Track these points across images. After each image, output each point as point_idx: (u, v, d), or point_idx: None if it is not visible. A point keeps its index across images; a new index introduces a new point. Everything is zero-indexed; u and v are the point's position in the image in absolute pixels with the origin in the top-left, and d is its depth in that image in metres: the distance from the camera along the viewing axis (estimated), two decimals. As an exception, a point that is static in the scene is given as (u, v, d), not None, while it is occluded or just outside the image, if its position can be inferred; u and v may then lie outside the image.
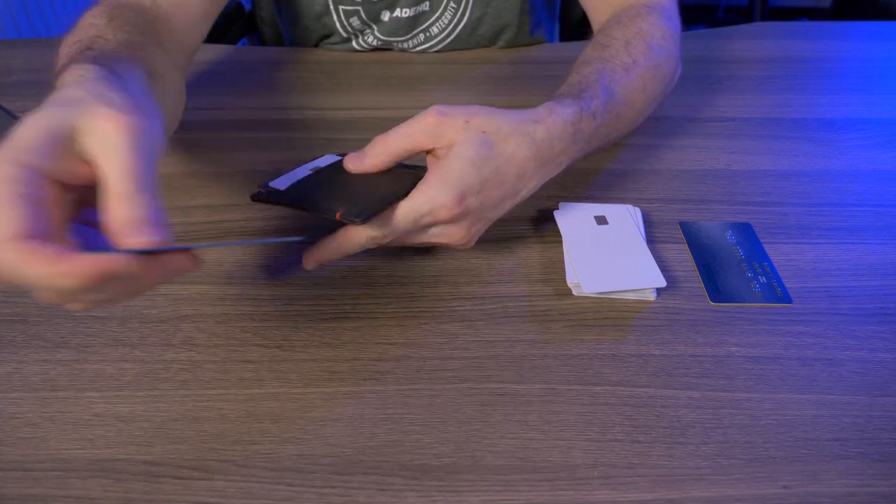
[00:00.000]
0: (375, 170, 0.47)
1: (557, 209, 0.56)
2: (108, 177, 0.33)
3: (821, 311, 0.48)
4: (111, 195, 0.32)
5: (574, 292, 0.50)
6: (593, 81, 0.54)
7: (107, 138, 0.33)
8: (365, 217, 0.43)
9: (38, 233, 0.31)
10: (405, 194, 0.45)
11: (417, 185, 0.45)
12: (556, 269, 0.52)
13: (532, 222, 0.57)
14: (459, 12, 0.82)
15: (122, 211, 0.32)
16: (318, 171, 0.50)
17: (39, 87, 0.77)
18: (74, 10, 1.52)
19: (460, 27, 0.83)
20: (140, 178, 0.32)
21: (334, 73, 0.79)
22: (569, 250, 0.51)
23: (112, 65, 0.41)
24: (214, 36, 0.84)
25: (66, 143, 0.33)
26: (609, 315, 0.48)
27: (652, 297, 0.49)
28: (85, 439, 0.40)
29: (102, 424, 0.41)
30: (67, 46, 0.50)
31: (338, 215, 0.43)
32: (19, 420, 0.42)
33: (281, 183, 0.48)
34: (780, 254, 0.53)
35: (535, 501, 0.37)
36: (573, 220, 0.54)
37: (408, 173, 0.47)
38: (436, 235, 0.47)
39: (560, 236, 0.53)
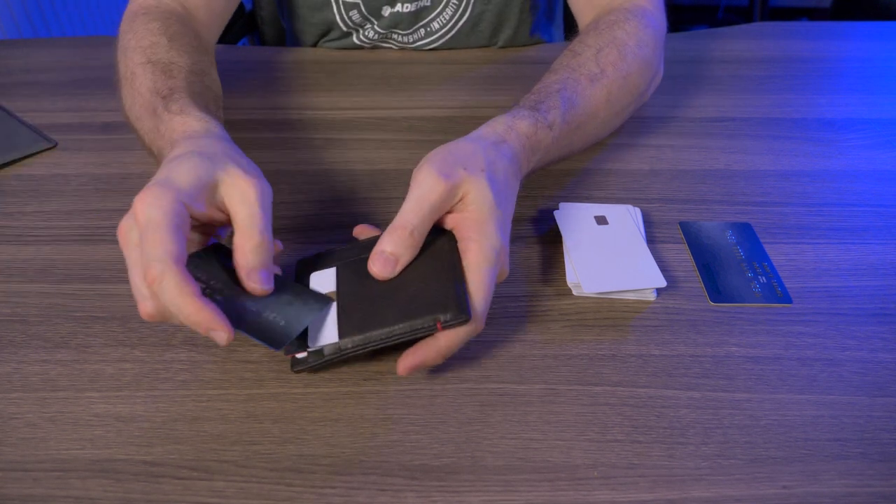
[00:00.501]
0: (407, 265, 0.44)
1: (557, 209, 0.56)
2: (243, 222, 0.42)
3: (821, 311, 0.48)
4: (245, 241, 0.41)
5: (574, 292, 0.50)
6: (554, 92, 0.55)
7: (244, 196, 0.42)
8: (466, 310, 0.40)
9: (181, 260, 0.39)
10: (459, 263, 0.42)
11: (466, 248, 0.43)
12: (556, 269, 0.52)
13: (532, 222, 0.57)
14: (461, 8, 0.82)
15: (252, 257, 0.41)
16: (338, 300, 0.44)
17: (39, 87, 0.77)
18: (74, 10, 1.52)
19: (461, 23, 0.83)
20: (265, 231, 0.42)
21: (334, 73, 0.79)
22: (569, 250, 0.51)
23: (217, 117, 0.53)
24: (214, 36, 0.84)
25: (210, 192, 0.42)
26: (609, 315, 0.48)
27: (652, 297, 0.49)
28: (85, 439, 0.40)
29: (102, 424, 0.41)
30: (139, 65, 0.57)
31: (439, 325, 0.40)
32: (19, 420, 0.42)
33: (317, 338, 0.43)
34: (780, 254, 0.53)
35: (535, 501, 0.37)
36: (573, 220, 0.54)
37: (431, 247, 0.44)
38: (498, 277, 0.45)
39: (560, 236, 0.53)
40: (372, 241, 0.45)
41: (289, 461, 0.39)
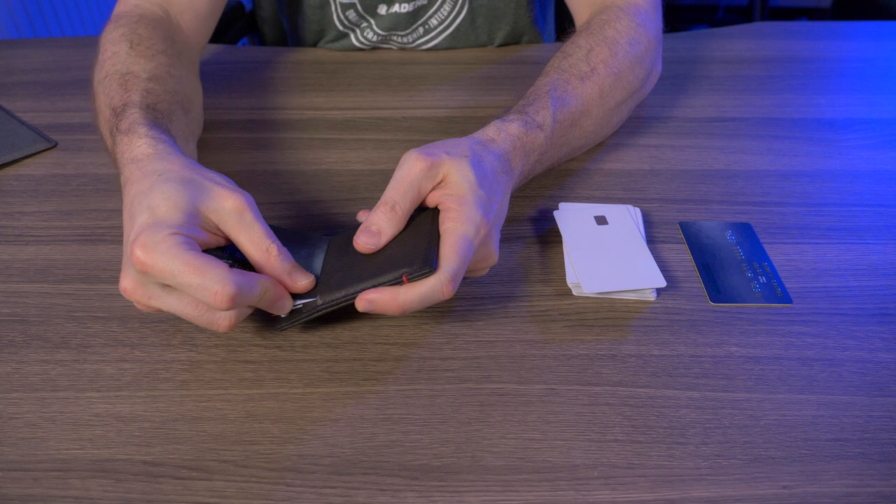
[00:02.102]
0: (391, 238, 0.45)
1: (557, 209, 0.56)
2: (251, 241, 0.42)
3: (821, 311, 0.48)
4: (261, 253, 0.42)
5: (574, 292, 0.50)
6: (543, 94, 0.56)
7: (240, 216, 0.42)
8: (432, 263, 0.41)
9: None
10: (436, 231, 0.44)
11: (444, 218, 0.44)
12: (556, 269, 0.52)
13: (532, 222, 0.57)
14: (458, 4, 0.82)
15: (278, 264, 0.43)
16: (323, 267, 0.46)
17: (39, 87, 0.77)
18: (75, 10, 1.52)
19: (459, 19, 0.83)
20: (272, 237, 0.43)
21: (334, 73, 0.79)
22: (569, 250, 0.51)
23: (167, 129, 0.51)
24: (214, 36, 0.84)
25: (196, 219, 0.41)
26: (609, 315, 0.48)
27: (652, 297, 0.49)
28: (85, 439, 0.40)
29: (102, 424, 0.41)
30: (99, 81, 0.56)
31: (404, 277, 0.41)
32: (19, 420, 0.42)
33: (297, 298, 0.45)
34: (780, 254, 0.53)
35: (535, 501, 0.37)
36: (573, 220, 0.54)
37: (415, 222, 0.46)
38: (481, 260, 0.46)
39: (560, 236, 0.53)
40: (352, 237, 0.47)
41: (289, 461, 0.39)
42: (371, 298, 0.42)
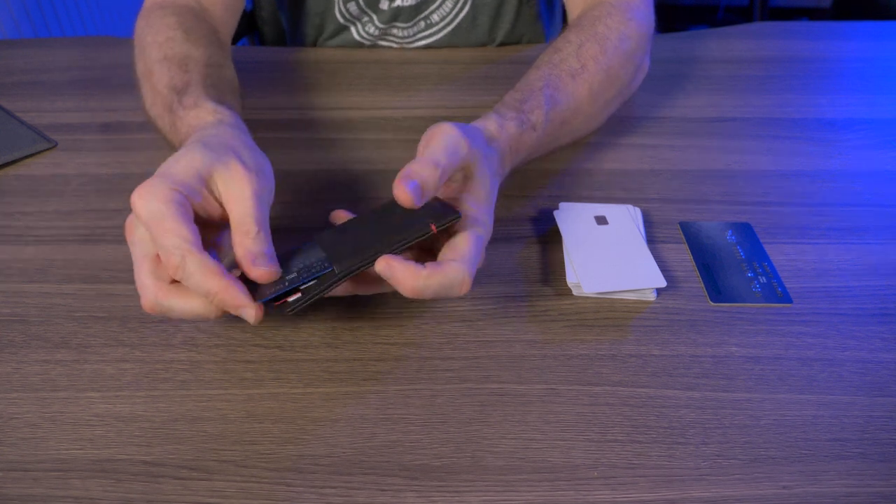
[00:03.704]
0: (429, 198, 0.42)
1: (557, 209, 0.56)
2: (238, 217, 0.41)
3: (821, 311, 0.48)
4: (240, 232, 0.41)
5: (574, 292, 0.50)
6: (537, 90, 0.55)
7: (241, 190, 0.41)
8: (457, 212, 0.41)
9: (198, 243, 0.39)
10: (453, 210, 0.43)
11: (468, 198, 0.44)
12: (556, 269, 0.52)
13: (532, 222, 0.57)
14: (461, 0, 0.82)
15: (249, 244, 0.40)
16: (324, 248, 0.44)
17: (39, 86, 0.77)
18: (75, 10, 1.52)
19: (461, 15, 0.83)
20: (260, 222, 0.41)
21: (334, 73, 0.79)
22: (569, 250, 0.51)
23: (232, 107, 0.52)
24: (214, 36, 0.85)
25: (207, 184, 0.42)
26: (609, 315, 0.48)
27: (652, 297, 0.49)
28: (85, 439, 0.40)
29: (102, 424, 0.41)
30: (156, 61, 0.58)
31: (433, 227, 0.40)
32: (19, 420, 0.42)
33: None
34: (780, 254, 0.53)
35: (535, 501, 0.37)
36: (573, 220, 0.54)
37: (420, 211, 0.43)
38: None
39: (560, 236, 0.53)
40: (348, 222, 0.46)
41: (289, 461, 0.39)
42: (392, 265, 0.39)
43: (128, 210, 0.58)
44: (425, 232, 0.41)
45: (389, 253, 0.40)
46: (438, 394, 0.43)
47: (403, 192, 0.40)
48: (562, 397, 0.43)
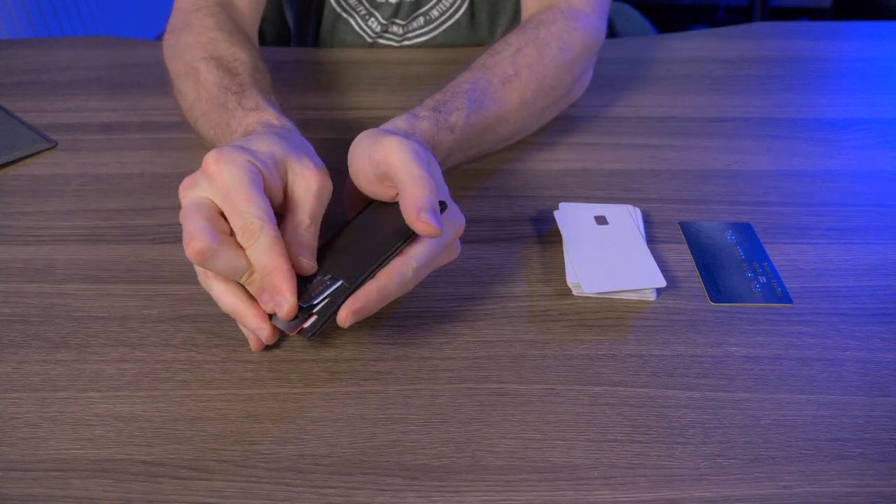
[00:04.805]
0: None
1: (557, 209, 0.56)
2: (297, 208, 0.43)
3: (821, 311, 0.48)
4: (294, 221, 0.43)
5: (574, 292, 0.50)
6: (461, 93, 0.55)
7: (308, 185, 0.43)
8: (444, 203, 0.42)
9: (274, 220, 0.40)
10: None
11: (403, 193, 0.43)
12: (556, 269, 0.52)
13: (532, 222, 0.57)
14: None
15: (301, 234, 0.42)
16: (319, 256, 0.44)
17: (39, 86, 0.77)
18: (75, 10, 1.52)
19: (461, 12, 0.83)
20: (315, 219, 0.43)
21: (334, 73, 0.79)
22: (569, 250, 0.51)
23: (291, 119, 0.53)
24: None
25: (279, 167, 0.43)
26: (609, 315, 0.48)
27: (652, 297, 0.49)
28: (85, 439, 0.40)
29: (102, 424, 0.41)
30: (201, 60, 0.58)
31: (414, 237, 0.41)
32: (19, 420, 0.42)
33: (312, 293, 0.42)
34: (780, 254, 0.53)
35: (535, 501, 0.37)
36: (573, 220, 0.54)
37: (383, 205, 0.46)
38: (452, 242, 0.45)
39: (560, 236, 0.53)
40: (331, 239, 0.46)
41: (289, 461, 0.39)
42: (359, 310, 0.41)
43: (128, 210, 0.58)
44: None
45: (393, 253, 0.42)
46: (438, 394, 0.43)
47: (429, 227, 0.40)
48: (562, 397, 0.43)
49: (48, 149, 0.67)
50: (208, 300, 0.49)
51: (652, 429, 0.41)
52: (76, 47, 0.87)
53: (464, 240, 0.47)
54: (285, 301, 0.40)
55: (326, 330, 0.46)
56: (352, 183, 0.48)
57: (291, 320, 0.41)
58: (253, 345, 0.45)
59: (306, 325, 0.41)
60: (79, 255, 0.54)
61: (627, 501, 0.37)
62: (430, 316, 0.48)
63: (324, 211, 0.44)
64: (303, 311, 0.41)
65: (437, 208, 0.41)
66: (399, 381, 0.44)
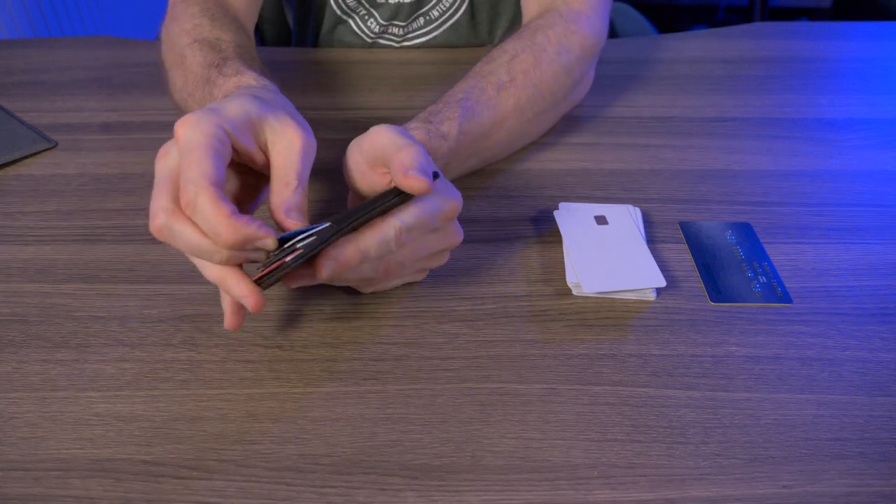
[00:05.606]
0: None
1: (557, 209, 0.56)
2: (281, 168, 0.42)
3: (821, 311, 0.48)
4: (280, 182, 0.41)
5: (574, 292, 0.50)
6: (454, 102, 0.55)
7: (290, 143, 0.42)
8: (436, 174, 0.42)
9: (219, 183, 0.38)
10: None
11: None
12: (556, 269, 0.52)
13: (532, 222, 0.57)
14: None
15: (287, 195, 0.41)
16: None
17: (39, 86, 0.77)
18: (75, 10, 1.52)
19: (460, 12, 0.83)
20: (301, 177, 0.42)
21: (334, 73, 0.79)
22: (569, 250, 0.51)
23: (273, 81, 0.52)
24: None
25: (255, 129, 0.42)
26: (609, 315, 0.48)
27: (652, 297, 0.49)
28: (85, 439, 0.40)
29: (102, 424, 0.41)
30: (185, 46, 0.58)
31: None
32: (19, 420, 0.42)
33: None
34: (780, 254, 0.53)
35: (535, 501, 0.37)
36: (573, 220, 0.54)
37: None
38: (444, 229, 0.45)
39: (560, 236, 0.53)
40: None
41: (289, 461, 0.39)
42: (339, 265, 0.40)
43: (128, 210, 0.58)
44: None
45: (385, 206, 0.41)
46: (438, 393, 0.43)
47: (418, 181, 0.40)
48: (562, 397, 0.43)
49: (48, 149, 0.67)
50: (208, 300, 0.49)
51: (652, 428, 0.41)
52: (76, 47, 0.87)
53: (464, 240, 0.47)
54: (265, 244, 0.39)
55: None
56: (352, 196, 0.48)
57: (276, 252, 0.40)
58: (228, 320, 0.43)
59: (289, 258, 0.40)
60: (79, 254, 0.54)
61: (627, 501, 0.37)
62: (430, 316, 0.48)
63: (310, 168, 0.43)
64: (288, 246, 0.40)
65: (428, 171, 0.41)
66: (399, 381, 0.44)
